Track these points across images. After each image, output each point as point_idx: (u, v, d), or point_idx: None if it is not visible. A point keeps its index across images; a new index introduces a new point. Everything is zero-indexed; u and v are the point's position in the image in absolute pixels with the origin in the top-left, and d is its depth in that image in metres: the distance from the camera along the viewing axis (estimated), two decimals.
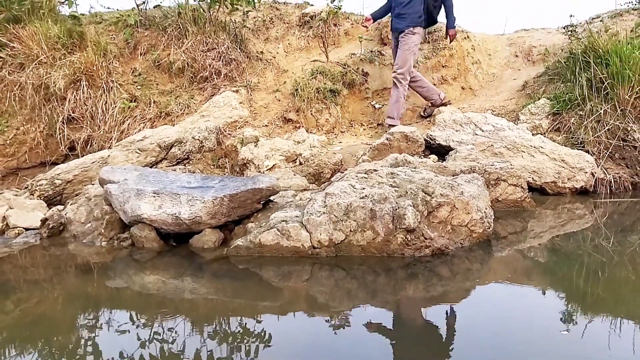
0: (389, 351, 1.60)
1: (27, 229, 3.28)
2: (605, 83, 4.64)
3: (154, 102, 5.23)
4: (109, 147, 4.49)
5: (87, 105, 4.89)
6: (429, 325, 1.77)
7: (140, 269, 2.59)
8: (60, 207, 3.49)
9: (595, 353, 1.57)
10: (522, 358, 1.55)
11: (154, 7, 6.16)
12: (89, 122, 4.87)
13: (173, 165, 4.33)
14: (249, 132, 4.66)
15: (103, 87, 5.01)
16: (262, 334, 1.73)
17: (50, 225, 3.16)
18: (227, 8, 6.03)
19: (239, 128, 4.91)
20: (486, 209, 2.89)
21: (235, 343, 1.66)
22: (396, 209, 2.63)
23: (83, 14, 6.07)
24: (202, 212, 2.74)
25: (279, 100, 5.54)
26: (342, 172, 3.33)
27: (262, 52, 6.27)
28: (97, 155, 4.13)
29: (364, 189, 2.83)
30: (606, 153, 4.46)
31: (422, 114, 5.54)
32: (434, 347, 1.61)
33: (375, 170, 3.07)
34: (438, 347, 1.61)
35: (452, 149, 4.34)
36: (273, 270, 2.43)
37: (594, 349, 1.60)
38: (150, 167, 4.13)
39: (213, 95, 5.36)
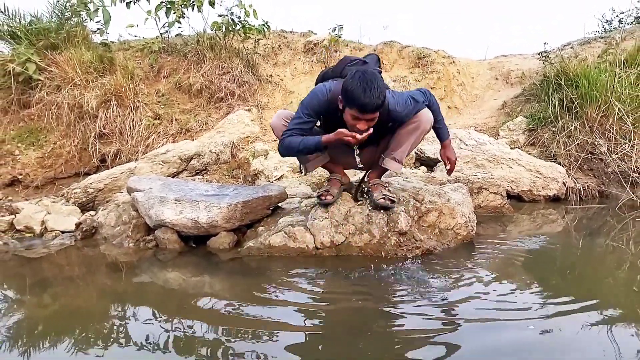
0: (384, 340, 1.62)
1: (63, 232, 3.29)
2: (575, 103, 4.68)
3: (176, 119, 5.27)
4: (136, 160, 4.52)
5: (116, 123, 4.92)
6: (420, 317, 1.78)
7: (163, 267, 2.60)
8: (92, 212, 3.52)
9: (566, 346, 1.58)
10: (502, 345, 1.56)
11: (175, 36, 6.22)
12: (118, 138, 4.90)
13: (192, 176, 4.35)
14: (260, 146, 4.69)
15: (130, 106, 5.05)
16: (271, 324, 1.75)
17: (84, 229, 3.18)
18: (241, 36, 6.09)
19: (250, 143, 4.94)
20: (470, 214, 2.91)
21: (247, 332, 1.68)
22: (390, 215, 2.65)
23: (113, 42, 6.13)
24: (218, 217, 2.75)
25: None
26: None
27: (271, 76, 6.32)
28: (125, 166, 4.16)
29: (358, 196, 2.85)
30: (576, 165, 4.48)
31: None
32: (424, 337, 1.63)
33: None
34: (427, 336, 1.63)
35: (439, 161, 4.36)
36: (281, 268, 2.44)
37: (566, 341, 1.61)
38: (172, 177, 4.16)
39: (228, 114, 5.39)
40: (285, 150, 2.55)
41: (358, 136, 2.29)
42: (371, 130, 2.32)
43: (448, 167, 2.86)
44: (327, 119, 2.62)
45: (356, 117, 2.27)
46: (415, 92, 2.64)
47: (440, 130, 2.77)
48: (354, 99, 2.22)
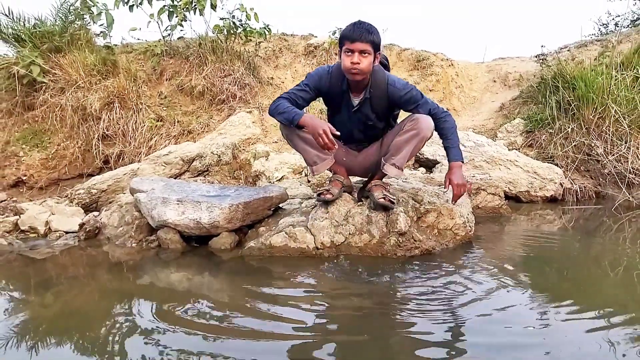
0: (383, 340, 1.62)
1: (66, 232, 3.30)
2: (572, 105, 4.69)
3: (178, 121, 5.28)
4: (139, 161, 4.52)
5: (119, 124, 4.92)
6: (419, 317, 1.79)
7: (166, 267, 2.61)
8: (95, 213, 3.52)
9: (563, 346, 1.58)
10: (501, 345, 1.57)
11: (177, 39, 6.22)
12: (121, 139, 4.90)
13: (194, 177, 4.36)
14: (261, 148, 4.70)
15: (133, 108, 5.06)
16: (271, 323, 1.75)
17: (87, 229, 3.18)
18: (242, 39, 6.10)
19: (252, 144, 4.94)
20: (468, 214, 2.91)
21: (249, 331, 1.68)
22: (389, 215, 2.65)
23: (116, 45, 6.13)
24: (220, 217, 2.76)
25: None
26: None
27: (272, 78, 6.33)
28: (128, 168, 4.16)
29: (361, 197, 2.86)
30: (573, 166, 4.49)
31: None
32: (422, 336, 1.63)
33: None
34: (425, 336, 1.63)
35: (438, 163, 4.37)
36: (282, 268, 2.45)
37: (564, 341, 1.61)
38: (175, 178, 4.16)
39: (229, 116, 5.40)
40: (272, 106, 2.58)
41: (328, 137, 2.32)
42: (336, 146, 2.37)
43: (446, 191, 2.74)
44: (328, 100, 2.70)
45: (348, 50, 2.39)
46: (427, 97, 2.67)
47: (449, 150, 2.68)
48: (344, 33, 2.39)
